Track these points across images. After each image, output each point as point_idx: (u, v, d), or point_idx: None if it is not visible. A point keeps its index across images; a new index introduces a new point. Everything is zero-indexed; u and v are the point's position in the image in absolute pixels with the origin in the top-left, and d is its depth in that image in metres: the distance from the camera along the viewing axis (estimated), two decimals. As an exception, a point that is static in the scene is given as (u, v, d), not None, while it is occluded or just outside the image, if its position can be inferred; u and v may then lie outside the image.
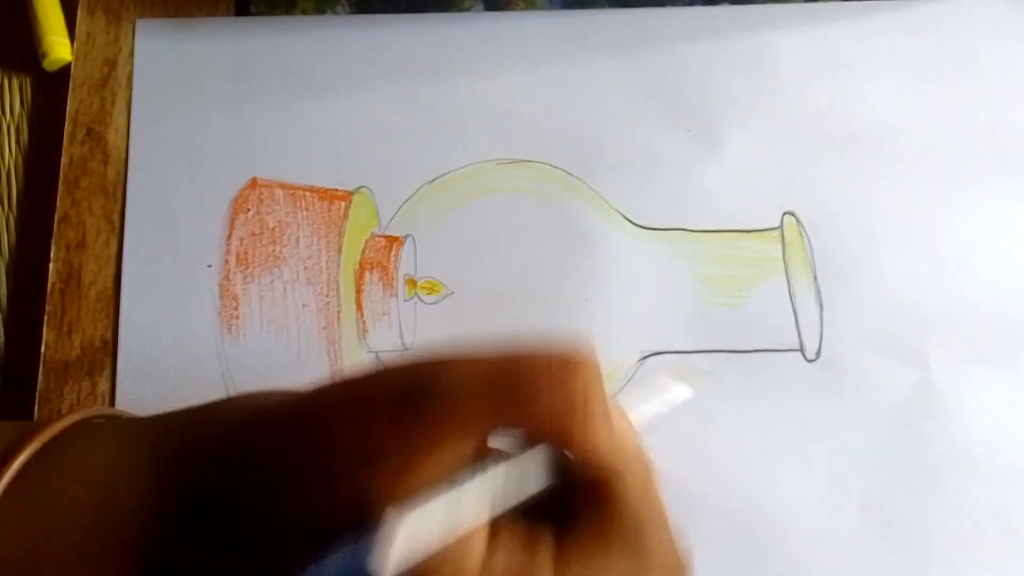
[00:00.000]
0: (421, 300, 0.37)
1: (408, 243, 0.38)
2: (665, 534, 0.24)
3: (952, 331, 0.37)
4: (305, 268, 0.37)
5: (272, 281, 0.37)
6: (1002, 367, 0.37)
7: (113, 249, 0.38)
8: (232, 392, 0.35)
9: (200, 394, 0.36)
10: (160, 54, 0.40)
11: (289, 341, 0.36)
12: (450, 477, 0.21)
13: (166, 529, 0.23)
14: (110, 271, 0.37)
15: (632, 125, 0.40)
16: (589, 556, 0.22)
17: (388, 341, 0.37)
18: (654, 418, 0.26)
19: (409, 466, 0.21)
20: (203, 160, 0.39)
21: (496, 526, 0.21)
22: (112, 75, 0.40)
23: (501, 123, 0.40)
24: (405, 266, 0.38)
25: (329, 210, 0.38)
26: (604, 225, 0.38)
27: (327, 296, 0.37)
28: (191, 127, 0.39)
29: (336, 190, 0.38)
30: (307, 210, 0.38)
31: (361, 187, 0.38)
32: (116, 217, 0.38)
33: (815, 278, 0.38)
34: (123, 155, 0.39)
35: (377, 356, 0.37)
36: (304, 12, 0.41)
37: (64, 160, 0.39)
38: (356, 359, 0.36)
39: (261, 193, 0.38)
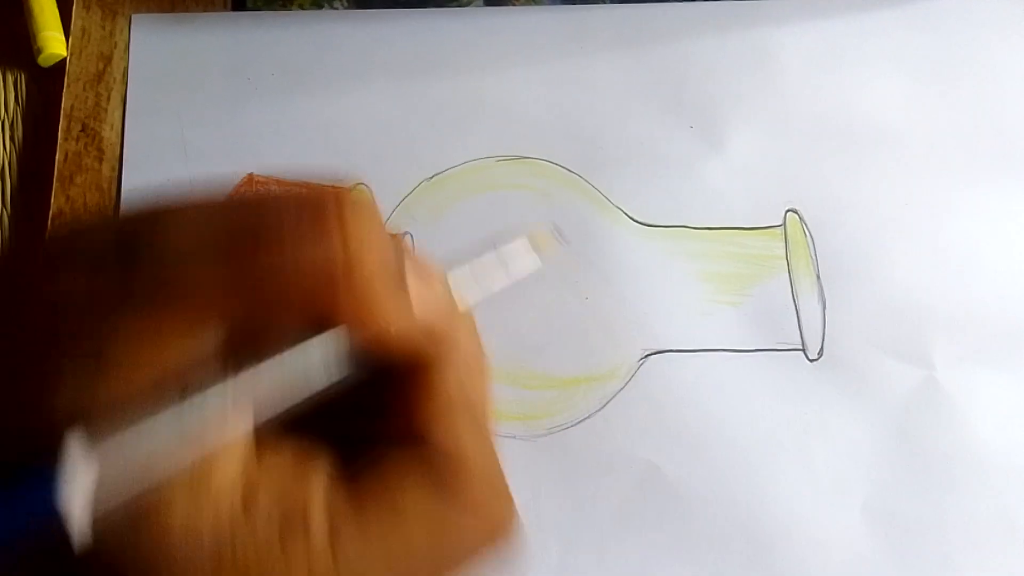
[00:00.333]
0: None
1: (406, 240, 0.38)
2: (490, 464, 0.18)
3: (956, 330, 0.37)
4: (302, 266, 0.37)
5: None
6: (1006, 367, 0.37)
7: (108, 246, 0.37)
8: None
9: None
10: (156, 49, 0.40)
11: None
12: (181, 381, 0.16)
13: None
14: (105, 268, 0.37)
15: (634, 122, 0.40)
16: (383, 486, 0.17)
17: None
18: (492, 294, 0.20)
19: (109, 369, 0.15)
20: (199, 156, 0.38)
21: (260, 443, 0.16)
22: (107, 71, 0.40)
23: (501, 119, 0.40)
24: (403, 264, 0.37)
25: (327, 207, 0.38)
26: (605, 223, 0.38)
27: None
28: (187, 123, 0.39)
29: (333, 186, 0.38)
30: (304, 207, 0.38)
31: (359, 183, 0.38)
32: (111, 213, 0.38)
33: (818, 276, 0.38)
34: (118, 151, 0.38)
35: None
36: (301, 7, 0.41)
37: (59, 156, 0.38)
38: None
39: (258, 189, 0.38)
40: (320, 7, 0.41)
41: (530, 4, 0.42)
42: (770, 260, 0.38)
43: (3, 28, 0.40)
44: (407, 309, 0.17)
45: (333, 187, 0.17)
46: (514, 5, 0.42)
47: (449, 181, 0.39)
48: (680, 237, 0.38)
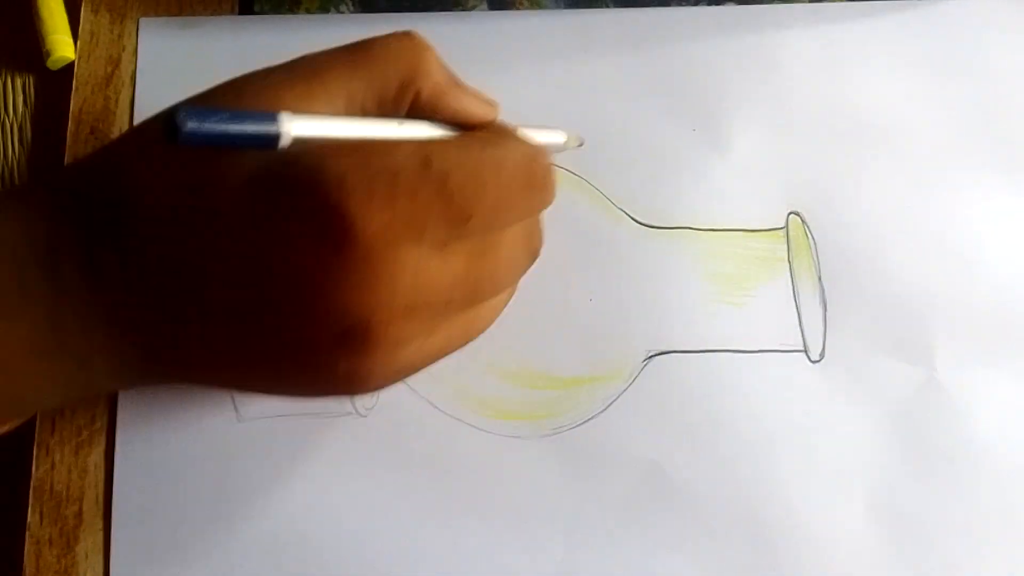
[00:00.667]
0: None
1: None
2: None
3: (958, 331, 0.37)
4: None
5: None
6: (1009, 367, 0.37)
7: (117, 248, 0.37)
8: (239, 403, 0.35)
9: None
10: (164, 53, 0.40)
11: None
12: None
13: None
14: (114, 270, 0.37)
15: (637, 124, 0.40)
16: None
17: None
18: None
19: (304, 94, 0.26)
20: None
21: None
22: (116, 74, 0.40)
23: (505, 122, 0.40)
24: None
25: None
26: (609, 224, 0.38)
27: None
28: (195, 126, 0.39)
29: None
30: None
31: None
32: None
33: (819, 278, 0.38)
34: (127, 154, 0.39)
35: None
36: (308, 11, 0.41)
37: (68, 159, 0.38)
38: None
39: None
40: (327, 11, 0.41)
41: (534, 7, 0.42)
42: (772, 261, 0.38)
43: (12, 31, 0.41)
44: (466, 96, 0.29)
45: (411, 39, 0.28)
46: (518, 9, 0.42)
47: (454, 183, 0.39)
48: (683, 238, 0.38)
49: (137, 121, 0.39)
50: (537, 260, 0.30)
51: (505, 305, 0.31)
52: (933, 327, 0.37)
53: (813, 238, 0.39)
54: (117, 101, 0.39)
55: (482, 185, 0.25)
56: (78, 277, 0.26)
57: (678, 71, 0.41)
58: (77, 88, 0.39)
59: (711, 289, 0.37)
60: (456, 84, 0.28)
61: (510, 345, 0.36)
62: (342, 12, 0.41)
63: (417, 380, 0.31)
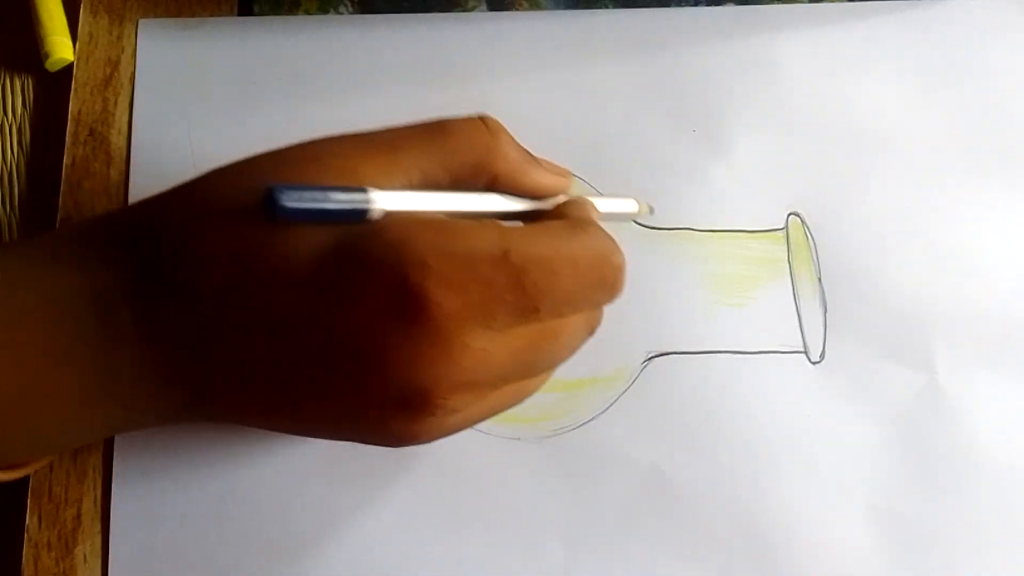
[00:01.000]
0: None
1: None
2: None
3: (958, 334, 0.37)
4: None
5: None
6: (1009, 371, 0.37)
7: (115, 250, 0.37)
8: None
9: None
10: (163, 54, 0.40)
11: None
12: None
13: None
14: (112, 272, 0.37)
15: (637, 126, 0.40)
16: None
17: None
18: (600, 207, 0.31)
19: (383, 168, 0.27)
20: (206, 160, 0.38)
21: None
22: (115, 75, 0.40)
23: (504, 124, 0.40)
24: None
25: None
26: (609, 226, 0.38)
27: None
28: (194, 127, 0.39)
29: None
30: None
31: None
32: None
33: (819, 280, 0.38)
34: (125, 156, 0.39)
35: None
36: (307, 12, 0.41)
37: (67, 161, 0.38)
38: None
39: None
40: (326, 12, 0.41)
41: (533, 9, 0.42)
42: (773, 263, 0.38)
43: (10, 33, 0.40)
44: (538, 172, 0.30)
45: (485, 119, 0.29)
46: (517, 10, 0.42)
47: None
48: (683, 240, 0.38)
49: (136, 122, 0.39)
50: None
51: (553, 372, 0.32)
52: (933, 330, 0.37)
53: (813, 239, 0.38)
54: (116, 103, 0.39)
55: (555, 282, 0.26)
56: (133, 328, 0.27)
57: (678, 72, 0.41)
58: (76, 90, 0.39)
59: (711, 290, 0.37)
60: (529, 160, 0.30)
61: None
62: (341, 13, 0.41)
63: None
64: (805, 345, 0.37)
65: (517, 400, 0.31)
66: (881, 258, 0.38)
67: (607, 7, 0.42)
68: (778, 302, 0.37)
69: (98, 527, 0.34)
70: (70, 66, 0.40)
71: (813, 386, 0.36)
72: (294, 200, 0.23)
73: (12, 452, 0.30)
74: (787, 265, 0.38)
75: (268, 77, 0.40)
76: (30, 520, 0.34)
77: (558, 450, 0.35)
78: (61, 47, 0.40)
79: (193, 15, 0.41)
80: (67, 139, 0.39)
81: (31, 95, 0.40)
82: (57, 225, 0.37)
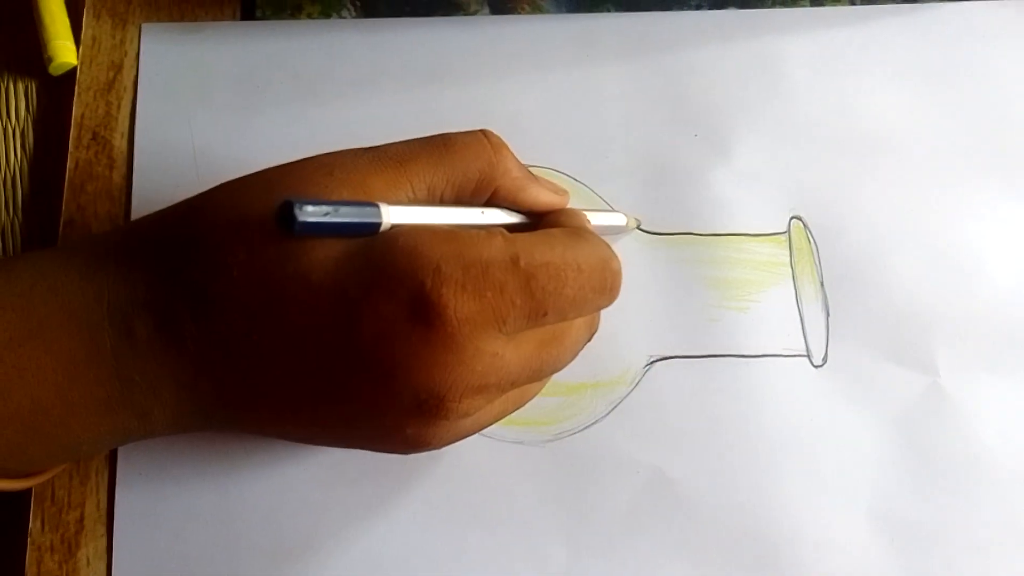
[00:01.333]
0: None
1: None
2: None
3: (961, 337, 0.37)
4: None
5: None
6: (1011, 373, 0.37)
7: (118, 253, 0.37)
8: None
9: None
10: (165, 58, 0.40)
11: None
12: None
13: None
14: (115, 276, 0.37)
15: (639, 129, 0.40)
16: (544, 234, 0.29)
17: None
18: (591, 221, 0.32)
19: (392, 182, 0.28)
20: (209, 164, 0.39)
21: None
22: (118, 79, 0.40)
23: (506, 128, 0.39)
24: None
25: (335, 214, 0.38)
26: (612, 230, 0.38)
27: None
28: (197, 131, 0.39)
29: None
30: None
31: None
32: (121, 221, 0.38)
33: (822, 283, 0.38)
34: (128, 159, 0.39)
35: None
36: (310, 16, 0.41)
37: (70, 164, 0.38)
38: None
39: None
40: (329, 16, 0.41)
41: (535, 13, 0.42)
42: (775, 267, 0.38)
43: (14, 37, 0.41)
44: (538, 188, 0.31)
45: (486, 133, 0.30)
46: (519, 13, 0.42)
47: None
48: (686, 244, 0.38)
49: (138, 126, 0.39)
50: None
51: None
52: (936, 333, 0.37)
53: (815, 242, 0.38)
54: (119, 107, 0.39)
55: (562, 286, 0.27)
56: (151, 339, 0.27)
57: (679, 76, 0.41)
58: (79, 94, 0.40)
59: (713, 294, 0.37)
60: (530, 177, 0.31)
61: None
62: (343, 17, 0.41)
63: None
64: (808, 348, 0.37)
65: (523, 402, 0.31)
66: (884, 261, 0.38)
67: (609, 10, 0.42)
68: (780, 305, 0.37)
69: (101, 530, 0.34)
70: (73, 70, 0.40)
71: (816, 389, 0.36)
72: (309, 214, 0.24)
73: (30, 461, 0.30)
74: (789, 268, 0.38)
75: (270, 81, 0.40)
76: (33, 523, 0.34)
77: (561, 453, 0.35)
78: (64, 51, 0.40)
79: (196, 19, 0.41)
80: (70, 143, 0.39)
81: (34, 99, 0.40)
82: (60, 229, 0.37)
